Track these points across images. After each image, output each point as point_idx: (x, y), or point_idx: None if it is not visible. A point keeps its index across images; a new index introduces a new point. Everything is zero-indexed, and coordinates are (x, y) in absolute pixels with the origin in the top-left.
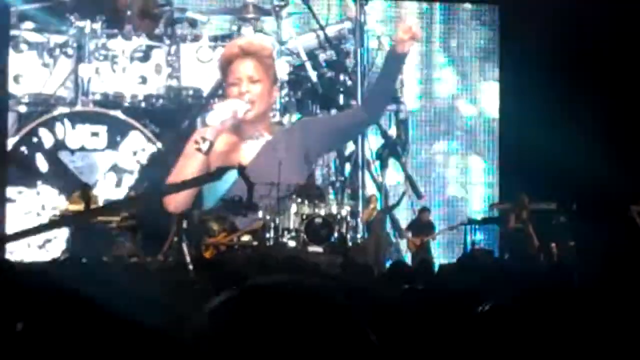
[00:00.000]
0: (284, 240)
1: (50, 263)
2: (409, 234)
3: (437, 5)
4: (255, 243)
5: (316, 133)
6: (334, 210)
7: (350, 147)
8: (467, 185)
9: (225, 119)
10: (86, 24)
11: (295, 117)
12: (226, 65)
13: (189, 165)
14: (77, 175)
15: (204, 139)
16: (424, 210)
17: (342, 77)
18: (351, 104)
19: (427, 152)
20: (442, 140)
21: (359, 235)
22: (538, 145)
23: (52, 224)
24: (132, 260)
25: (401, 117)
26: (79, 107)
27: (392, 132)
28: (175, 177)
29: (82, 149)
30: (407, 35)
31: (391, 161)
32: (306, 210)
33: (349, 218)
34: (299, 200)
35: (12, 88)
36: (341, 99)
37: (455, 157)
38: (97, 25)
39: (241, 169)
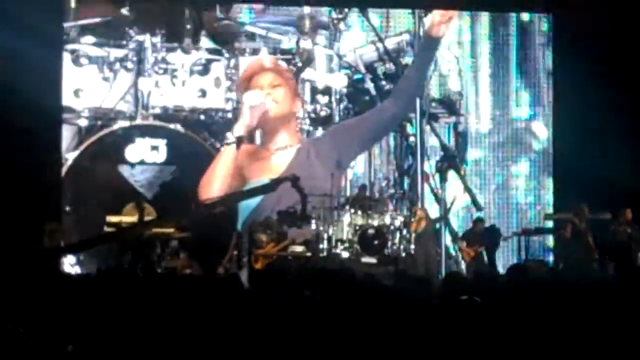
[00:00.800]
0: (338, 251)
1: (103, 274)
2: (464, 244)
3: (510, 23)
4: (308, 254)
5: (346, 138)
6: (387, 221)
7: (409, 160)
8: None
9: (256, 104)
10: (146, 38)
11: None
12: (247, 82)
13: (219, 164)
14: (137, 188)
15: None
16: (479, 220)
17: None
18: (409, 117)
19: (501, 172)
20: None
21: (412, 247)
22: (591, 155)
23: (106, 237)
24: (185, 271)
25: (460, 130)
26: (138, 121)
27: (451, 144)
28: (207, 176)
29: (142, 162)
30: (444, 17)
31: (450, 173)
32: (359, 221)
33: (402, 229)
34: (353, 210)
35: (72, 102)
36: None
37: (523, 179)
38: (157, 39)
39: (295, 180)
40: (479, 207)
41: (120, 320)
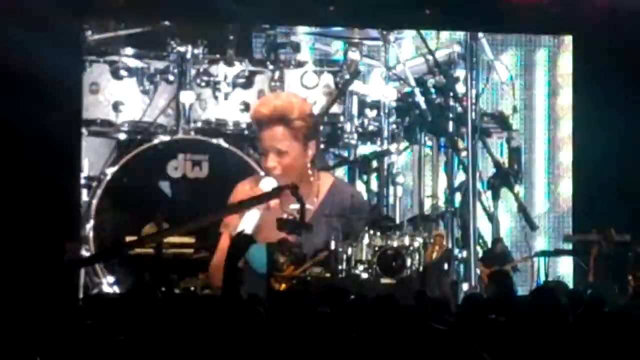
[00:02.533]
0: (357, 272)
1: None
2: (481, 265)
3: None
4: (327, 274)
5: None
6: (407, 242)
7: (460, 176)
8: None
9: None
10: (187, 49)
11: (402, 144)
12: (257, 127)
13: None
14: (178, 205)
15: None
16: (498, 240)
17: (452, 103)
18: (460, 132)
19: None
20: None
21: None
22: (612, 176)
23: (116, 250)
24: (205, 292)
25: (513, 145)
26: (180, 135)
27: (504, 160)
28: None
29: (184, 178)
30: None
31: (503, 191)
32: (379, 241)
33: (421, 250)
34: (372, 231)
35: (111, 116)
36: (450, 126)
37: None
38: (199, 50)
39: (294, 188)
40: (533, 227)
41: (138, 342)
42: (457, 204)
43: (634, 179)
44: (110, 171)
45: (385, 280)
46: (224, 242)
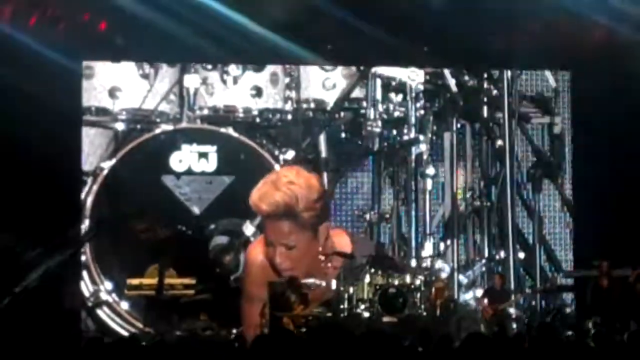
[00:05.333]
0: (359, 310)
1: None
2: (485, 302)
3: None
4: (329, 314)
5: None
6: (408, 280)
7: (496, 167)
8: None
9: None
10: None
11: (429, 133)
12: (261, 217)
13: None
14: (184, 202)
15: None
16: (499, 276)
17: (486, 85)
18: (495, 117)
19: None
20: None
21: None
22: (611, 209)
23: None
24: (206, 333)
25: (555, 132)
26: (184, 124)
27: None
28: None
29: (189, 172)
30: None
31: (545, 183)
32: (380, 280)
33: (422, 288)
34: (372, 270)
35: (108, 103)
36: (485, 111)
37: None
38: None
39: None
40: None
41: None
42: (493, 198)
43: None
44: (107, 165)
45: (387, 319)
46: (251, 316)
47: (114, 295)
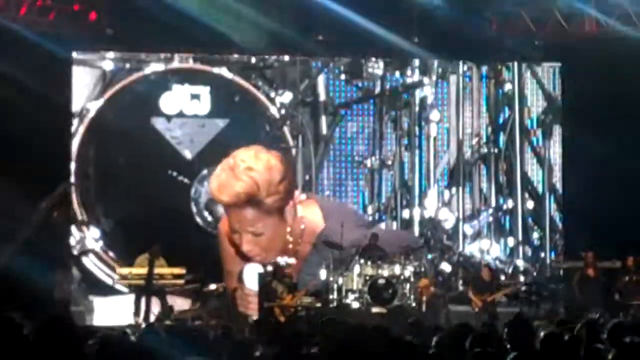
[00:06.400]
0: (348, 301)
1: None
2: (470, 293)
3: None
4: (318, 305)
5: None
6: (397, 271)
7: (505, 112)
8: None
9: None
10: None
11: (434, 75)
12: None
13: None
14: (175, 146)
15: None
16: (486, 267)
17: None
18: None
19: None
20: None
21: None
22: (601, 201)
23: None
24: (195, 323)
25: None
26: (175, 64)
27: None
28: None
29: (180, 114)
30: None
31: (556, 129)
32: (369, 271)
33: (412, 279)
34: (362, 261)
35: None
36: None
37: None
38: None
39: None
40: None
41: None
42: (501, 145)
43: (621, 205)
44: (94, 106)
45: (376, 310)
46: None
47: (100, 242)
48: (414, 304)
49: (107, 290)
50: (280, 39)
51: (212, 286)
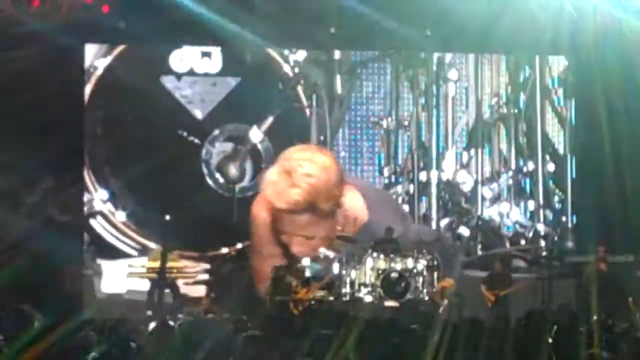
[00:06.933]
0: (360, 295)
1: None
2: (484, 288)
3: None
4: (331, 298)
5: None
6: (410, 265)
7: (525, 71)
8: None
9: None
10: None
11: None
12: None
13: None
14: (185, 105)
15: None
16: (500, 261)
17: None
18: None
19: None
20: None
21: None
22: (613, 195)
23: None
24: (208, 316)
25: None
26: None
27: None
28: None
29: (191, 73)
30: None
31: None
32: (382, 264)
33: (425, 272)
34: (375, 254)
35: None
36: None
37: None
38: None
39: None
40: None
41: None
42: (521, 105)
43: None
44: (102, 64)
45: (389, 303)
46: (262, 271)
47: (109, 204)
48: (426, 298)
49: (115, 253)
50: (291, 32)
51: (224, 250)
